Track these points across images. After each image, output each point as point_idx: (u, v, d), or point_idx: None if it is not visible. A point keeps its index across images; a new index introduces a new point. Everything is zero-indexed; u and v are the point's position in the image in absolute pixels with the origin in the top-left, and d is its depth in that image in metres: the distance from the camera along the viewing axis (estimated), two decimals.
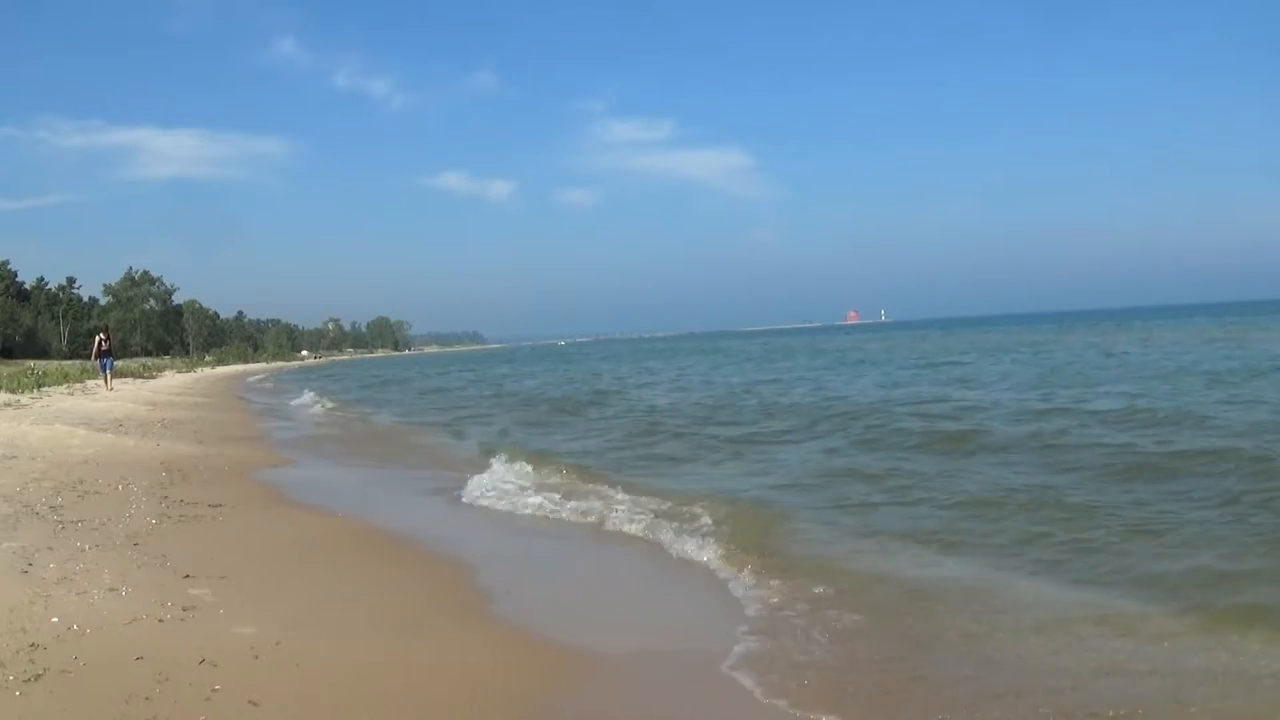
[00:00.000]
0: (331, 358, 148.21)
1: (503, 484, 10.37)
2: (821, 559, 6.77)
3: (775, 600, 5.87)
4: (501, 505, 9.52)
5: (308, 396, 31.34)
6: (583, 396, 26.29)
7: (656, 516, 8.30)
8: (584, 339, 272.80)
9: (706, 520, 7.95)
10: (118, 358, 38.03)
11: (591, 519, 8.64)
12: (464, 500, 9.89)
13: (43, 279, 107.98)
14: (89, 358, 37.18)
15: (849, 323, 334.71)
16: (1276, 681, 4.32)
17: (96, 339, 32.97)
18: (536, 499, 9.53)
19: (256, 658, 4.56)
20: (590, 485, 10.21)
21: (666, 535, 7.72)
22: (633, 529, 8.13)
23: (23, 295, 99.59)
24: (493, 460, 11.86)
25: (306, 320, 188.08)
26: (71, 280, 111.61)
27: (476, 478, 10.67)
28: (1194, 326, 57.29)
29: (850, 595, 5.85)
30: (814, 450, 12.68)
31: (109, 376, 31.00)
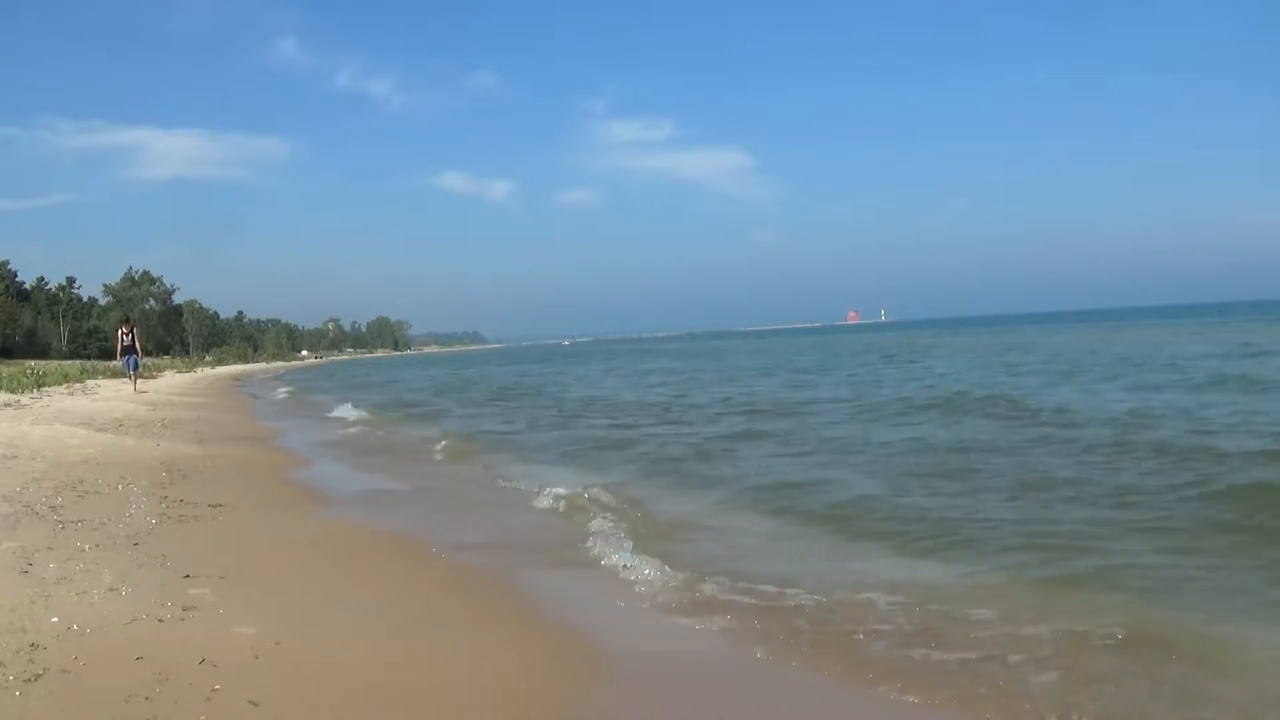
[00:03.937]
0: (332, 358, 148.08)
1: None
2: None
3: None
4: None
5: None
6: None
7: None
8: (584, 339, 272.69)
9: None
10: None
11: None
12: None
13: (43, 279, 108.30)
14: (89, 357, 35.05)
15: (849, 323, 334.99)
16: None
17: (119, 333, 27.36)
18: None
19: (256, 658, 4.54)
20: None
21: None
22: None
23: (23, 295, 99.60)
24: None
25: (306, 320, 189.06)
26: (71, 280, 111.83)
27: None
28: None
29: None
30: None
31: (135, 376, 26.38)
